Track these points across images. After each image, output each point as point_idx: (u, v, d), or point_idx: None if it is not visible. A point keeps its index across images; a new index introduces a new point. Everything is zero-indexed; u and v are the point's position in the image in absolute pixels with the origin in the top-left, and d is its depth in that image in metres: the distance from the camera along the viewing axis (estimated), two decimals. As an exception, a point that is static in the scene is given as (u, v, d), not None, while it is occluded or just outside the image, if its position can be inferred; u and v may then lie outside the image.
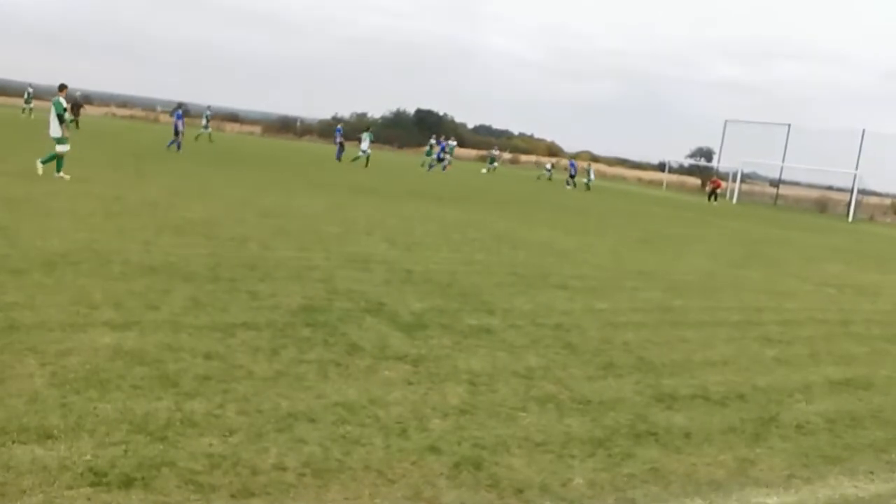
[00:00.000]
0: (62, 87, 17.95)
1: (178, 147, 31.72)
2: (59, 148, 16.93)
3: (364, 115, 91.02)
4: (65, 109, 17.57)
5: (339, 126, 47.67)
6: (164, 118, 77.90)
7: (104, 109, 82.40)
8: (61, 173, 16.62)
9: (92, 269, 8.07)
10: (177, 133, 32.16)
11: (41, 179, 15.87)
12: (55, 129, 17.21)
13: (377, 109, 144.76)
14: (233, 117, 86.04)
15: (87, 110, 45.42)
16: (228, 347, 5.98)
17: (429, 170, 42.56)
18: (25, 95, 50.70)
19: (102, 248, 9.27)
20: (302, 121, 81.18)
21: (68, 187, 15.00)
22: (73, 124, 40.06)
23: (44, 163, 16.70)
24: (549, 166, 53.50)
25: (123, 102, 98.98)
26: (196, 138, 41.66)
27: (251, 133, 75.25)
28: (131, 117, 76.92)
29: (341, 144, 42.70)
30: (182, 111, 34.45)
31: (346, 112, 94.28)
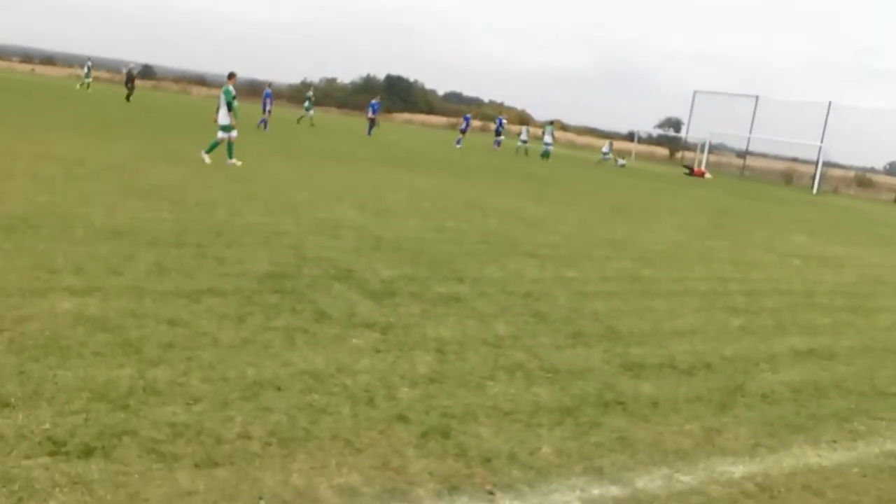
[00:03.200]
0: (231, 76, 17.45)
1: (265, 126, 31.86)
2: (221, 134, 16.70)
3: (334, 80, 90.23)
4: (234, 97, 16.99)
5: (374, 101, 40.75)
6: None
7: (68, 70, 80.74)
8: (233, 160, 16.49)
9: (53, 233, 7.89)
10: (265, 111, 32.35)
11: None
12: (223, 117, 16.86)
13: (347, 74, 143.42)
14: (200, 80, 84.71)
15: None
16: (193, 314, 5.88)
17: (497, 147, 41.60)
18: (85, 69, 50.73)
19: (64, 211, 9.06)
20: (271, 85, 79.87)
21: (30, 149, 14.65)
22: (127, 99, 39.21)
23: (207, 152, 16.52)
24: (606, 150, 46.60)
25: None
26: (298, 121, 40.87)
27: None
28: (96, 79, 75.29)
29: (373, 120, 39.75)
30: (271, 90, 34.26)
31: (315, 77, 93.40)
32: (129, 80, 42.05)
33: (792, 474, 4.49)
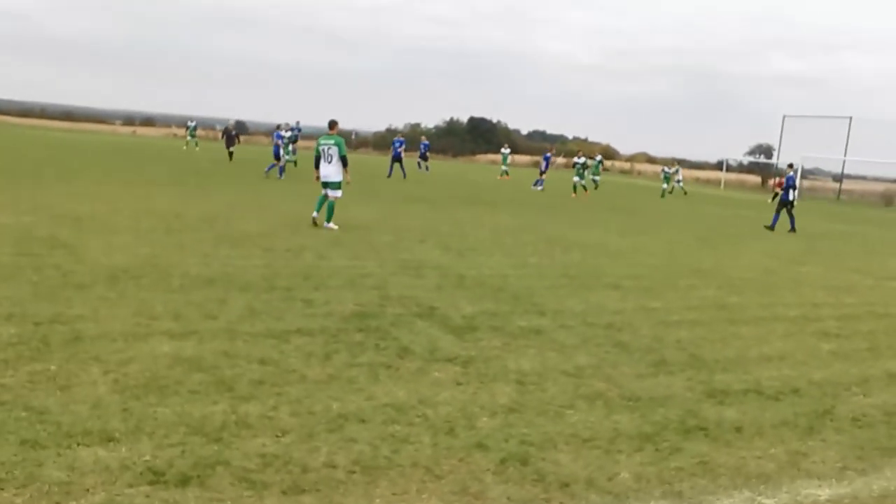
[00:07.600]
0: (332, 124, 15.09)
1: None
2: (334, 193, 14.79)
3: (418, 125, 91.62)
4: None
5: (423, 141, 42.60)
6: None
7: (165, 130, 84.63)
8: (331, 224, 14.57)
9: (153, 283, 8.35)
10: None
11: (105, 198, 16.39)
12: (337, 173, 14.76)
13: (431, 119, 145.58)
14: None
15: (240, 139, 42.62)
16: (282, 353, 6.15)
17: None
18: (189, 129, 51.40)
19: (163, 262, 9.57)
20: (357, 133, 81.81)
21: (132, 205, 15.47)
22: (229, 156, 38.71)
23: (328, 220, 14.59)
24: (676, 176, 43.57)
25: (184, 122, 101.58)
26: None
27: (307, 147, 76.16)
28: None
29: (419, 163, 39.88)
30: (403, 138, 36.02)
31: (399, 123, 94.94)
32: (228, 137, 39.86)
33: (882, 497, 4.39)
